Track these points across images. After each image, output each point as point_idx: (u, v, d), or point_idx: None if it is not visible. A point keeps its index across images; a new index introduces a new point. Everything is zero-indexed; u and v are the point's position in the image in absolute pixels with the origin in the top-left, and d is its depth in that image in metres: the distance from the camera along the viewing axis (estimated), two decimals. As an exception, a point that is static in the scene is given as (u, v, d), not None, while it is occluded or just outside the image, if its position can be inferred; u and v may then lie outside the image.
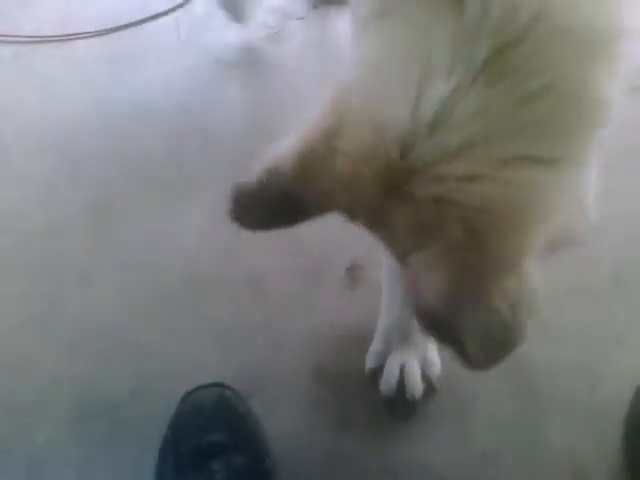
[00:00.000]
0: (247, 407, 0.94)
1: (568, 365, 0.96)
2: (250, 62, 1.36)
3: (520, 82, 0.42)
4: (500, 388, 0.95)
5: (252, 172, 0.55)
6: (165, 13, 1.43)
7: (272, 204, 0.54)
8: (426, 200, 0.44)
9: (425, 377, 0.94)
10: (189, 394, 0.94)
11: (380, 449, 0.94)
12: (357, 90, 0.48)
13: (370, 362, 0.96)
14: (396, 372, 0.93)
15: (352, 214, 0.50)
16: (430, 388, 0.94)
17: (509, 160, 0.43)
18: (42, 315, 1.11)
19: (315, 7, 1.38)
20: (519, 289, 0.48)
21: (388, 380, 0.93)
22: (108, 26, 1.45)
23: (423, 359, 0.93)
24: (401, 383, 0.93)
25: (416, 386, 0.93)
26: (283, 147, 0.52)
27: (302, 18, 1.37)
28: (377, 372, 0.95)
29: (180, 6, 1.44)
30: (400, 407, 0.95)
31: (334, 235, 1.06)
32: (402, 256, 0.50)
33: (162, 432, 0.93)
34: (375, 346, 0.96)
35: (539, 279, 0.49)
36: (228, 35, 1.39)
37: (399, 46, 0.46)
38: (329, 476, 0.93)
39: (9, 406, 1.03)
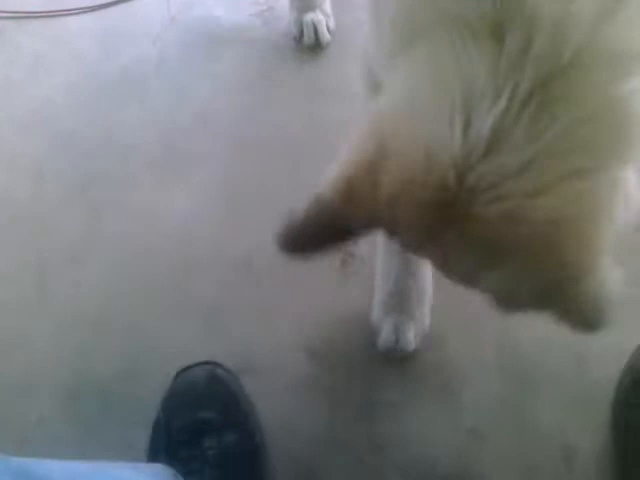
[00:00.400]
0: (239, 384, 0.95)
1: (555, 345, 0.97)
2: (240, 39, 1.34)
3: (569, 108, 0.45)
4: (488, 368, 0.97)
5: (302, 202, 0.56)
6: (156, -11, 1.42)
7: (319, 232, 0.57)
8: (493, 219, 0.46)
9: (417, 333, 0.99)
10: (181, 372, 0.95)
11: (369, 427, 0.96)
12: (396, 118, 0.50)
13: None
14: (392, 336, 0.98)
15: (396, 231, 0.53)
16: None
17: (567, 175, 0.45)
18: (31, 296, 1.11)
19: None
20: (599, 289, 0.50)
21: (386, 339, 0.98)
22: (97, 3, 1.42)
23: (415, 320, 0.99)
24: (397, 342, 0.98)
25: (409, 343, 0.98)
26: (328, 177, 0.54)
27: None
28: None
29: (170, -18, 1.42)
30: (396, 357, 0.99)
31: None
32: (465, 277, 0.54)
33: (153, 411, 0.94)
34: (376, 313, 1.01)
35: (616, 275, 0.50)
36: (218, 11, 1.38)
37: (435, 72, 0.49)
38: (318, 452, 0.95)
39: (0, 386, 1.03)
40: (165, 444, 0.89)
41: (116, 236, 1.15)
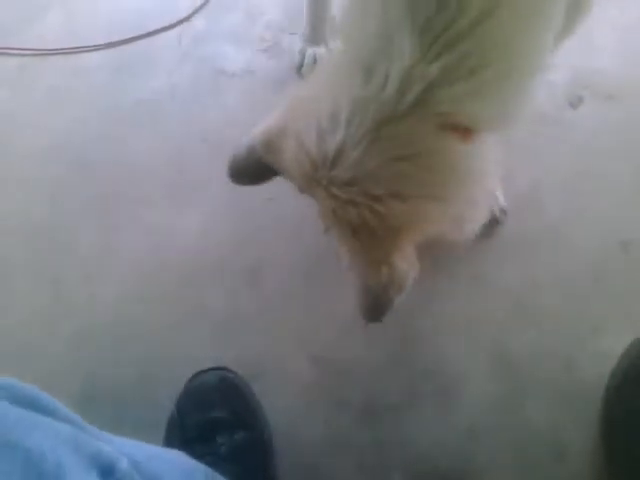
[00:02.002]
0: (248, 387, 1.01)
1: (548, 349, 1.03)
2: (247, 72, 1.43)
3: (394, 147, 0.62)
4: (484, 370, 1.02)
5: (240, 146, 0.80)
6: (168, 27, 1.50)
7: (252, 168, 0.79)
8: (342, 199, 0.65)
9: None
10: (194, 376, 1.01)
11: (370, 429, 1.01)
12: (295, 111, 0.70)
13: None
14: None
15: (298, 188, 0.73)
16: None
17: (380, 196, 0.63)
18: (47, 309, 1.18)
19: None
20: (389, 274, 0.69)
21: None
22: (112, 40, 1.52)
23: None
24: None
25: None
26: (258, 131, 0.76)
27: (296, 33, 1.44)
28: None
29: (183, 21, 1.51)
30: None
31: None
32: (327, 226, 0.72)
33: (166, 414, 0.99)
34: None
35: (407, 268, 0.71)
36: (227, 47, 1.47)
37: (322, 82, 0.69)
38: (321, 453, 1.00)
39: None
40: (179, 440, 0.94)
41: (129, 252, 1.22)
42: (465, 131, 0.64)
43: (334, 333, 1.08)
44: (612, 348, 0.99)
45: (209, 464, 0.87)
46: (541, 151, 1.21)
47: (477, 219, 0.77)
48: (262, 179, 0.81)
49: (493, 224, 1.13)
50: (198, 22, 1.52)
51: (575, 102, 1.25)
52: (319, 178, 0.65)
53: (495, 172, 0.77)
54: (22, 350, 1.13)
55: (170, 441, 0.95)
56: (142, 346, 1.11)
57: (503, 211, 1.13)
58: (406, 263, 0.70)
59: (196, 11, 1.52)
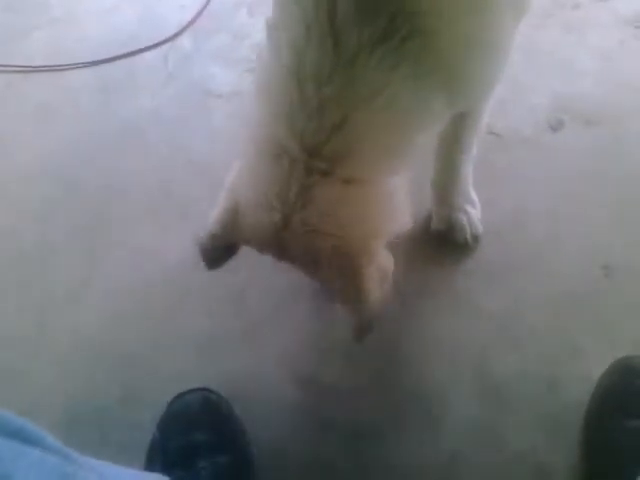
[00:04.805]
0: (230, 409, 1.01)
1: (530, 372, 1.03)
2: (233, 93, 1.44)
3: (328, 195, 0.76)
4: (467, 392, 1.03)
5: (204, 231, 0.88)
6: (154, 46, 1.52)
7: (220, 251, 0.90)
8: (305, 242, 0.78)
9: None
10: (176, 398, 1.00)
11: (354, 450, 1.01)
12: (240, 192, 0.82)
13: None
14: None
15: (260, 251, 0.85)
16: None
17: (334, 231, 0.76)
18: (33, 329, 1.17)
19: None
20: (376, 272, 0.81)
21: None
22: (99, 58, 1.52)
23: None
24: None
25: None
26: (212, 220, 0.86)
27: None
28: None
29: (168, 40, 1.52)
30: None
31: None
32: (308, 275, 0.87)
33: (149, 435, 0.99)
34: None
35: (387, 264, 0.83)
36: (213, 68, 1.48)
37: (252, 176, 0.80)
38: (306, 471, 1.00)
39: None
40: (161, 464, 0.93)
41: (115, 275, 1.22)
42: (363, 180, 0.77)
43: (318, 355, 1.09)
44: (594, 371, 1.00)
45: (189, 490, 0.88)
46: (523, 175, 1.23)
47: (401, 221, 0.85)
48: (228, 257, 0.92)
49: (464, 249, 1.15)
50: (185, 42, 1.53)
51: (556, 126, 1.28)
52: (277, 241, 0.79)
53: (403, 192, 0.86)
54: (6, 372, 1.13)
55: (152, 464, 0.95)
56: (126, 368, 1.11)
57: (475, 237, 1.15)
58: (384, 259, 0.83)
59: (182, 31, 1.54)
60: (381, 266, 0.82)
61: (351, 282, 0.79)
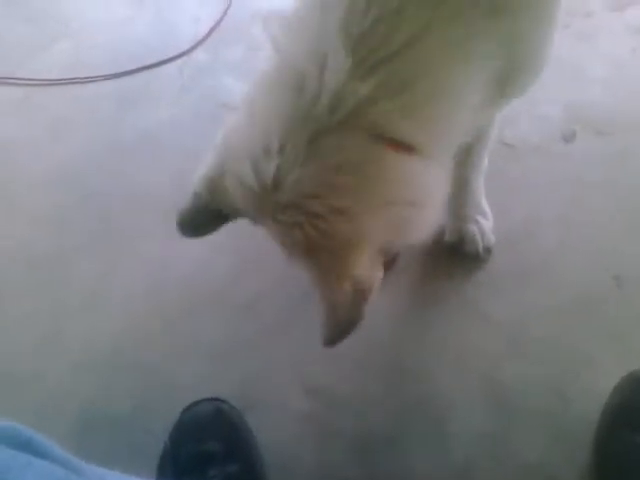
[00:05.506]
0: (242, 419, 1.02)
1: (539, 383, 1.03)
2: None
3: (328, 158, 0.64)
4: (476, 402, 1.03)
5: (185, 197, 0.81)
6: (170, 59, 1.54)
7: (201, 216, 0.80)
8: (285, 223, 0.67)
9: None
10: (188, 408, 1.01)
11: (363, 459, 1.01)
12: (229, 147, 0.72)
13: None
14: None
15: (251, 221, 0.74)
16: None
17: (322, 213, 0.65)
18: (48, 336, 1.19)
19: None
20: (352, 286, 0.69)
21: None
22: (115, 70, 1.55)
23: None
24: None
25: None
26: (198, 176, 0.77)
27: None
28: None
29: (184, 53, 1.55)
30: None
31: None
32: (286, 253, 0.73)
33: (161, 443, 1.00)
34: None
35: (369, 275, 0.71)
36: (226, 80, 1.50)
37: (256, 116, 0.68)
38: (316, 482, 1.00)
39: (14, 419, 1.09)
40: (172, 473, 0.95)
41: (128, 283, 1.24)
42: (401, 145, 0.66)
43: (330, 364, 1.09)
44: (604, 382, 0.99)
45: (198, 498, 0.89)
46: (535, 184, 1.23)
47: (424, 225, 0.75)
48: (213, 227, 0.82)
49: (475, 260, 1.15)
50: (200, 54, 1.55)
51: (569, 136, 1.27)
52: (263, 208, 0.68)
53: (444, 189, 0.77)
54: (22, 378, 1.14)
55: (163, 472, 0.96)
56: (139, 376, 1.12)
57: (487, 249, 1.15)
58: (368, 271, 0.70)
59: (198, 44, 1.56)
60: (360, 279, 0.69)
61: (319, 288, 0.70)
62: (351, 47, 0.61)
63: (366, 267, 0.69)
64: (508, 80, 0.74)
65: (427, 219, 0.74)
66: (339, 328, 0.73)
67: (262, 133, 0.65)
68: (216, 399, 1.02)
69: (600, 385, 1.00)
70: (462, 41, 0.65)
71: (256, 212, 0.70)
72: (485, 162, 1.09)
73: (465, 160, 1.06)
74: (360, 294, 0.70)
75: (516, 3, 0.68)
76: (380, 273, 0.73)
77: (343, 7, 0.62)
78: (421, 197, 0.71)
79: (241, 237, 1.25)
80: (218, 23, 1.58)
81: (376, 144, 0.64)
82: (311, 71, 0.63)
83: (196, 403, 1.01)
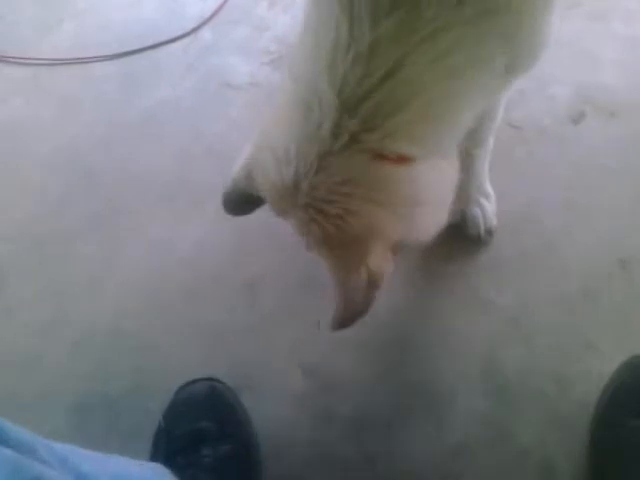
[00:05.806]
0: (237, 399, 1.01)
1: (539, 367, 1.02)
2: (252, 84, 1.44)
3: (336, 174, 0.70)
4: (474, 385, 1.02)
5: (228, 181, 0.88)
6: (176, 39, 1.53)
7: (241, 199, 0.88)
8: (304, 219, 0.74)
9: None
10: (183, 387, 1.02)
11: (359, 442, 1.01)
12: (261, 146, 0.77)
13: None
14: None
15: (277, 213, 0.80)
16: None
17: (337, 214, 0.71)
18: (48, 316, 1.20)
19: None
20: (366, 273, 0.74)
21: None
22: (122, 50, 1.54)
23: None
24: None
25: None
26: (237, 165, 0.85)
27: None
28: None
29: (189, 33, 1.54)
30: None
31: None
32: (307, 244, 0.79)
33: (157, 423, 1.00)
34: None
35: (381, 265, 0.75)
36: (232, 59, 1.49)
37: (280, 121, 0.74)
38: (312, 464, 1.00)
39: (15, 398, 1.10)
40: (165, 451, 0.95)
41: (131, 264, 1.24)
42: (402, 158, 0.71)
43: (328, 347, 1.08)
44: (605, 368, 0.98)
45: (192, 476, 0.88)
46: (540, 166, 1.20)
47: (432, 222, 0.81)
48: (251, 208, 0.91)
49: (477, 243, 1.13)
50: (205, 34, 1.54)
51: (577, 117, 1.25)
52: (286, 204, 0.75)
53: (451, 182, 0.84)
54: (21, 358, 1.15)
55: (156, 451, 0.96)
56: (138, 357, 1.12)
57: (489, 231, 1.13)
58: (380, 261, 0.75)
59: (204, 23, 1.54)
60: (373, 269, 0.75)
61: (335, 274, 0.76)
62: (337, 87, 0.66)
63: (379, 258, 0.75)
64: (510, 64, 0.74)
65: (435, 215, 0.81)
66: (351, 312, 0.78)
67: (283, 138, 0.72)
68: (211, 379, 1.02)
69: (601, 370, 0.98)
70: (447, 55, 0.66)
71: (279, 206, 0.77)
72: (490, 144, 1.07)
73: (470, 142, 1.04)
74: (373, 282, 0.75)
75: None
76: (391, 267, 0.78)
77: (330, 41, 0.66)
78: (427, 195, 0.77)
79: (243, 220, 1.26)
80: (224, 3, 1.56)
81: (378, 162, 0.70)
82: (314, 103, 0.69)
83: (191, 382, 1.01)
